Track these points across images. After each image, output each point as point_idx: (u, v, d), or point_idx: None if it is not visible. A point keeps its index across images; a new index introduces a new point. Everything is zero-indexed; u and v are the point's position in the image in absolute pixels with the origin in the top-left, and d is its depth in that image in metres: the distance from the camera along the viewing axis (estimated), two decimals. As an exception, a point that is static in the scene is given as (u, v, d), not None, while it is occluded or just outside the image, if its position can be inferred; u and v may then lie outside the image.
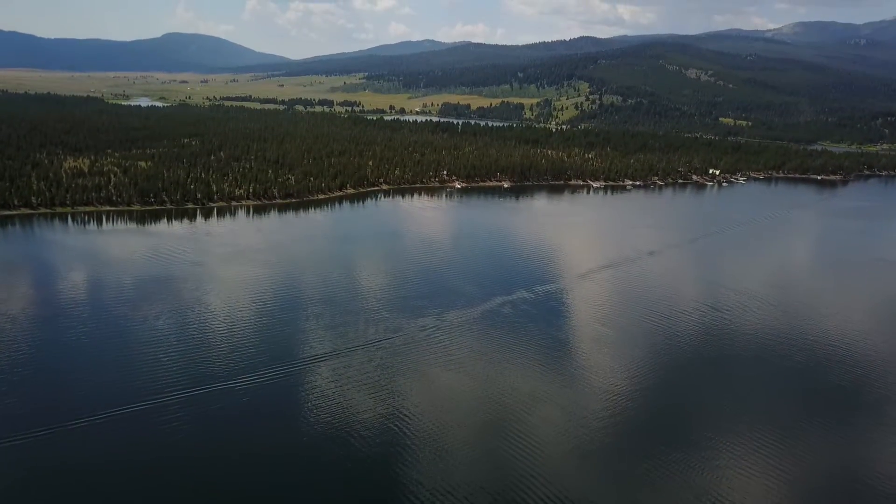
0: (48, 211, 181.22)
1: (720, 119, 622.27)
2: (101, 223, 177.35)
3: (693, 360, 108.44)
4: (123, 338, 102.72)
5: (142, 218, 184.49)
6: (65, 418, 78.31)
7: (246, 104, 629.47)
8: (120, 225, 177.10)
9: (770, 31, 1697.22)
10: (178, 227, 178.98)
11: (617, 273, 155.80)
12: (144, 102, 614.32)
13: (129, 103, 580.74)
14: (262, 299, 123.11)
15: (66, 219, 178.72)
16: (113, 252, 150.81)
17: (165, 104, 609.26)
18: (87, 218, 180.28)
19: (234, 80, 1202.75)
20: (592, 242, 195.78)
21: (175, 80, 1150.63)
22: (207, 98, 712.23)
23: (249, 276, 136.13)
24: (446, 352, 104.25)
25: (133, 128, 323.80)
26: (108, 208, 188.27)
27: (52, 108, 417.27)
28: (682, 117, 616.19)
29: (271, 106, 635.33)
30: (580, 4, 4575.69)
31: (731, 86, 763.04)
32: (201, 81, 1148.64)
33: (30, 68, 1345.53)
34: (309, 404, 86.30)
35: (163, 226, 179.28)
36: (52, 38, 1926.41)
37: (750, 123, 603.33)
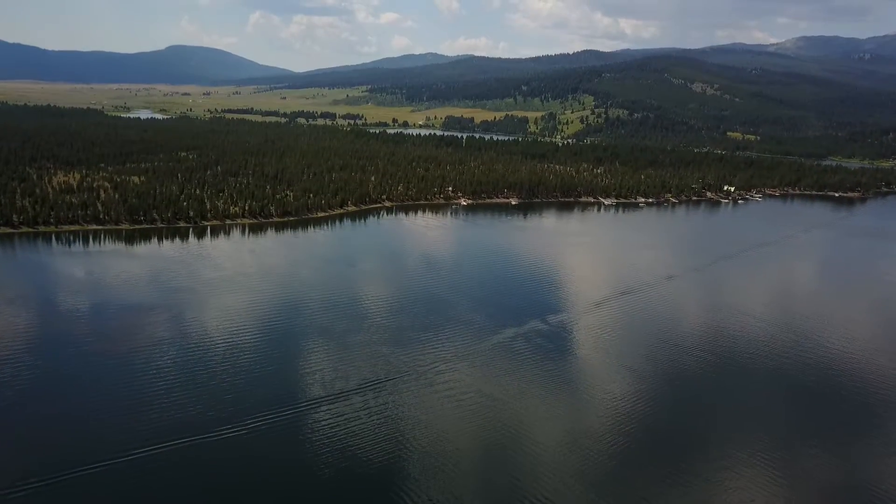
0: (30, 230, 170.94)
1: (728, 133, 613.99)
2: (87, 243, 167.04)
3: (730, 405, 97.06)
4: (94, 380, 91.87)
5: (130, 237, 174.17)
6: (18, 478, 67.35)
7: (247, 117, 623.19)
8: (106, 245, 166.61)
9: (772, 45, 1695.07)
10: (168, 247, 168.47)
11: (635, 300, 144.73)
12: (145, 115, 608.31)
13: (128, 115, 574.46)
14: (252, 333, 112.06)
15: (50, 238, 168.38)
16: (92, 276, 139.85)
17: (165, 116, 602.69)
18: (71, 238, 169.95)
19: (236, 93, 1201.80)
20: (607, 265, 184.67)
21: (178, 93, 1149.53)
22: (209, 110, 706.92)
23: (239, 306, 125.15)
24: (453, 396, 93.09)
25: (129, 140, 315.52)
26: (94, 227, 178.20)
27: (48, 120, 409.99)
28: (690, 131, 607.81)
29: (273, 118, 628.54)
30: (582, 19, 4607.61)
31: (737, 100, 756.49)
32: (204, 94, 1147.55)
33: (34, 80, 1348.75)
34: (299, 457, 76.01)
35: (151, 246, 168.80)
36: (57, 50, 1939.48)
37: (758, 138, 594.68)
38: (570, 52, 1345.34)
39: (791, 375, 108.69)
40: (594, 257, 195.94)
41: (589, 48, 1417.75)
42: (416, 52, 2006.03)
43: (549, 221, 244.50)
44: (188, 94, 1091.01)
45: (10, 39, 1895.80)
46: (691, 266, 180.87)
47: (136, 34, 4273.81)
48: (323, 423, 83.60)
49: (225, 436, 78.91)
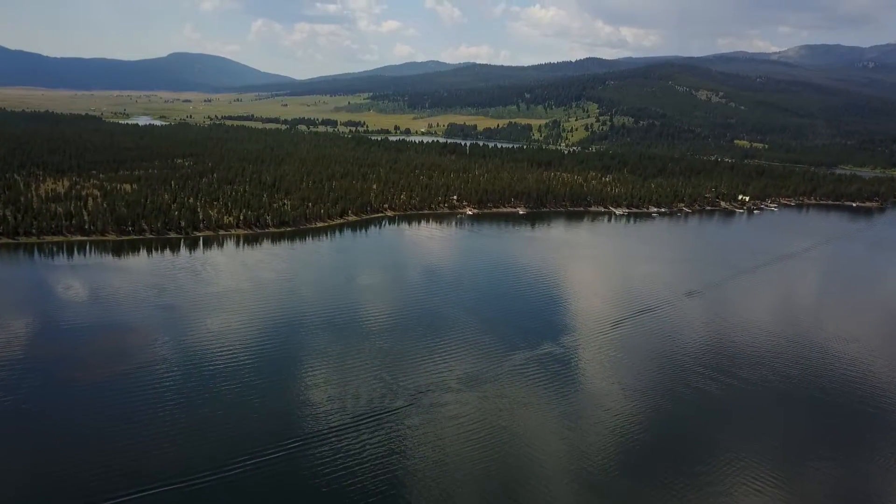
0: (10, 241, 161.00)
1: (735, 141, 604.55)
2: (71, 255, 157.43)
3: (769, 437, 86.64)
4: (60, 414, 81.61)
5: (117, 249, 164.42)
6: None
7: (247, 123, 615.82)
8: (91, 258, 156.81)
9: (775, 53, 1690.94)
10: (156, 260, 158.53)
11: (655, 319, 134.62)
12: (143, 121, 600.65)
13: (127, 122, 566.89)
14: (240, 358, 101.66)
15: (32, 250, 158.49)
16: (68, 293, 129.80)
17: (165, 123, 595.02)
18: (54, 249, 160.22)
19: (238, 100, 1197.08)
20: (623, 280, 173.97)
21: (179, 100, 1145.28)
22: (209, 117, 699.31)
23: (228, 327, 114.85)
24: (460, 434, 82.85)
25: (125, 147, 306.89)
26: (79, 238, 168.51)
27: (43, 126, 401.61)
28: (696, 139, 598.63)
29: (273, 125, 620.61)
30: (583, 27, 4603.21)
31: (742, 107, 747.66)
32: (205, 100, 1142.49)
33: (36, 87, 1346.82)
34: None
35: (137, 259, 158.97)
36: (59, 57, 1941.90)
37: (766, 146, 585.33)
38: (573, 60, 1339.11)
39: (836, 402, 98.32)
40: (608, 271, 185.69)
41: (591, 56, 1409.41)
42: (418, 60, 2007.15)
43: (559, 232, 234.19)
44: (189, 101, 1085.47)
45: (12, 46, 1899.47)
46: (711, 281, 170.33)
47: (139, 41, 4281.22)
48: (315, 464, 73.63)
49: (206, 482, 68.88)
